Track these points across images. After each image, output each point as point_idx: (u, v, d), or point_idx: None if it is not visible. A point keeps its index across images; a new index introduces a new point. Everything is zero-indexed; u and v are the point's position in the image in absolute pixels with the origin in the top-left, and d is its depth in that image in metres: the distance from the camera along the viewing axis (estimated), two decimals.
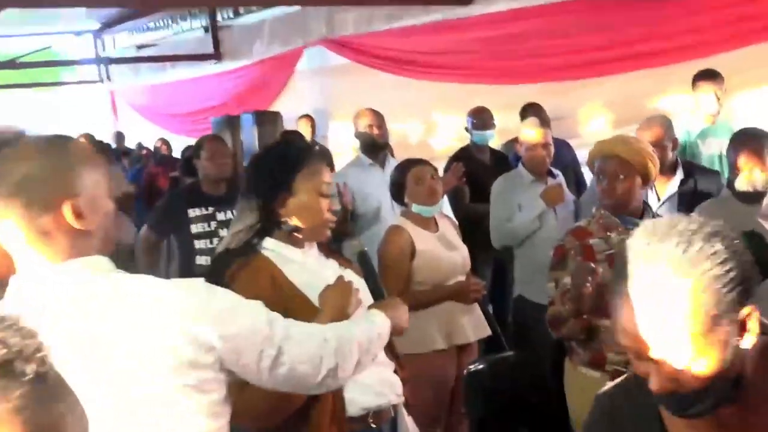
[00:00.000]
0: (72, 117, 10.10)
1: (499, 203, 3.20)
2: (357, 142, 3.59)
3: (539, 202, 3.05)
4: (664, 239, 0.88)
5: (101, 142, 6.18)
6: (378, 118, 3.48)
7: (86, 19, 9.12)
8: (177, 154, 6.41)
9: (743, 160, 2.43)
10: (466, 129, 3.98)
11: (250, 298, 1.25)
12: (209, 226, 3.07)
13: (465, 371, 2.42)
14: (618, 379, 1.12)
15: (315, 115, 5.71)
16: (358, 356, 1.33)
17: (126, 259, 3.51)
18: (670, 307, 0.85)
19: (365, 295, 1.65)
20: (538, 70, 4.68)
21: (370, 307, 1.55)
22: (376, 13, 5.73)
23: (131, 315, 1.07)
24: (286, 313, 1.36)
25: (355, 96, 5.22)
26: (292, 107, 6.45)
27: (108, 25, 9.47)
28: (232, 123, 6.64)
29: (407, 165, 2.67)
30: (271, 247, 1.63)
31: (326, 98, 6.46)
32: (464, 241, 2.74)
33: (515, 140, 3.56)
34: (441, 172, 3.38)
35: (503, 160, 3.96)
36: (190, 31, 8.46)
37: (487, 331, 2.66)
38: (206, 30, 8.06)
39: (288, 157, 1.65)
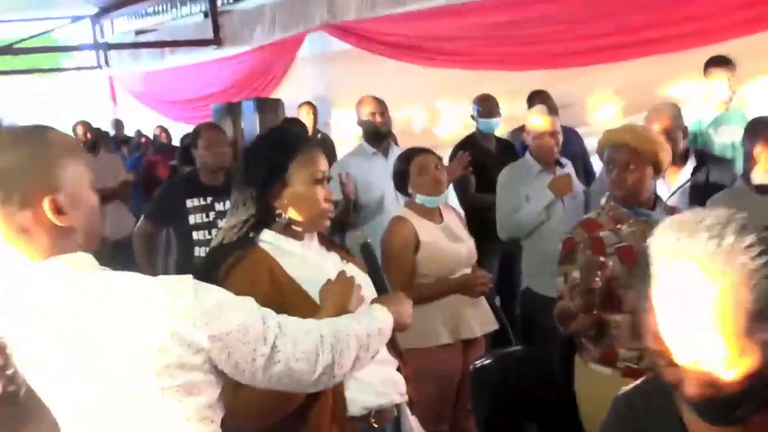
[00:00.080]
0: (70, 103, 10.04)
1: (506, 194, 3.14)
2: (360, 130, 3.53)
3: (547, 193, 3.00)
4: (693, 235, 0.83)
5: (99, 129, 6.14)
6: (381, 105, 3.42)
7: (84, 3, 9.03)
8: (177, 141, 6.34)
9: (759, 150, 2.37)
10: (472, 117, 3.92)
11: (246, 293, 1.21)
12: (207, 216, 3.01)
13: (471, 366, 2.38)
14: (636, 382, 1.07)
15: (317, 102, 5.64)
16: (356, 352, 1.29)
17: (124, 250, 3.46)
18: (706, 307, 0.80)
19: (368, 290, 1.59)
20: (546, 56, 4.62)
21: (372, 301, 1.50)
22: None
23: (119, 313, 1.03)
24: (285, 309, 1.33)
25: (358, 83, 5.18)
26: (293, 94, 6.40)
27: (106, 9, 9.41)
28: (232, 110, 6.61)
29: (411, 154, 2.61)
30: (269, 239, 1.57)
31: (328, 85, 6.41)
32: (470, 232, 2.69)
33: (522, 128, 3.49)
34: (446, 161, 3.33)
35: (509, 149, 3.90)
36: (189, 16, 8.40)
37: (494, 325, 2.62)
38: (206, 15, 8.00)
39: (280, 147, 1.59)
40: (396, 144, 3.79)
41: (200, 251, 2.98)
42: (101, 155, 4.93)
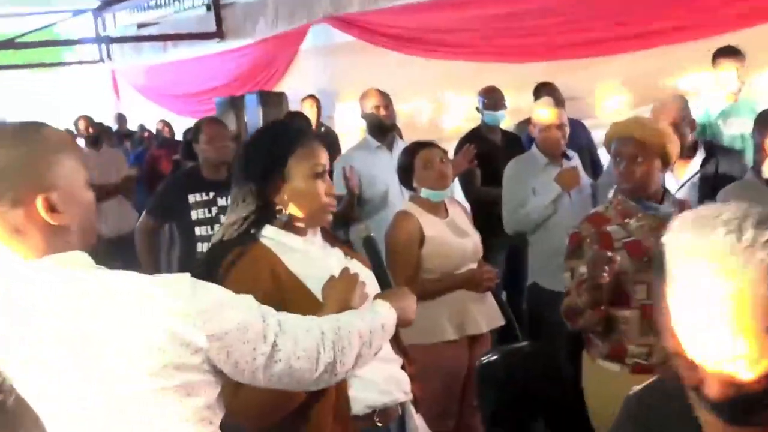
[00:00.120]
0: (73, 98, 10.02)
1: (512, 187, 3.11)
2: (364, 123, 3.49)
3: (554, 186, 2.97)
4: (710, 231, 0.80)
5: (101, 124, 6.13)
6: (385, 98, 3.38)
7: None
8: (180, 136, 6.33)
9: None
10: (477, 109, 3.88)
11: (247, 290, 1.19)
12: (210, 212, 2.98)
13: (477, 362, 2.35)
14: (647, 381, 1.04)
15: (321, 96, 5.60)
16: (359, 349, 1.27)
17: (127, 246, 3.45)
18: (725, 305, 0.77)
19: (372, 287, 1.56)
20: (552, 47, 4.57)
21: (375, 296, 1.48)
22: None
23: (115, 313, 1.01)
24: (286, 307, 1.30)
25: (362, 75, 5.15)
26: (297, 87, 6.38)
27: (108, 3, 9.39)
28: (236, 104, 6.59)
29: (415, 148, 2.58)
30: (271, 235, 1.54)
31: (332, 78, 6.38)
32: (476, 226, 2.66)
33: (528, 121, 3.46)
34: (451, 155, 3.30)
35: (515, 142, 3.86)
36: (191, 9, 8.38)
37: (501, 321, 2.59)
38: (208, 8, 7.97)
39: (278, 141, 1.56)
40: (401, 137, 3.76)
41: (203, 247, 2.95)
42: (104, 150, 4.91)
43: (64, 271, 1.04)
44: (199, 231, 2.97)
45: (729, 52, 3.34)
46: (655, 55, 4.09)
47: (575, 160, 3.17)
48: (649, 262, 2.00)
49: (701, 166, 2.74)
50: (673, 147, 2.10)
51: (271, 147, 1.56)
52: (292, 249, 1.54)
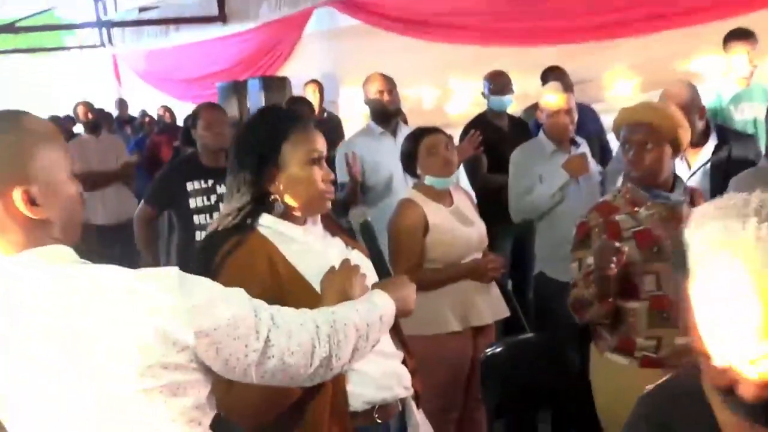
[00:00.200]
0: (74, 83, 9.97)
1: (519, 174, 3.05)
2: (368, 109, 3.43)
3: (561, 173, 2.91)
4: (737, 225, 0.76)
5: (101, 110, 6.07)
6: (389, 83, 3.33)
7: None
8: (181, 121, 6.28)
9: None
10: (483, 94, 3.82)
11: (244, 281, 1.17)
12: (209, 199, 2.93)
13: (481, 354, 2.30)
14: (660, 380, 1.02)
15: (325, 80, 5.54)
16: (355, 342, 1.23)
17: (126, 234, 3.41)
18: (761, 300, 0.74)
19: (373, 279, 1.51)
20: (560, 30, 4.50)
21: (373, 286, 1.42)
22: None
23: (97, 310, 0.98)
24: (284, 299, 1.26)
25: (367, 60, 5.10)
26: (300, 72, 6.33)
27: None
28: (238, 89, 6.55)
29: (419, 134, 2.52)
30: (269, 224, 1.49)
31: (336, 62, 6.33)
32: (482, 213, 2.62)
33: (535, 106, 3.39)
34: (456, 141, 3.23)
35: (522, 127, 3.81)
36: None
37: (506, 312, 2.55)
38: None
39: (271, 128, 1.51)
40: (405, 123, 3.72)
41: (202, 236, 2.87)
42: (103, 136, 4.86)
43: (51, 267, 1.01)
44: (197, 219, 2.92)
45: (740, 35, 3.26)
46: (665, 38, 4.02)
47: (584, 147, 3.11)
48: (659, 252, 1.97)
49: (713, 153, 2.67)
50: (685, 133, 2.05)
51: (263, 134, 1.51)
52: (290, 239, 1.50)
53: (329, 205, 1.55)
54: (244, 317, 1.08)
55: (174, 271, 1.04)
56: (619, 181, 2.14)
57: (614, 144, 3.50)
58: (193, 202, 2.93)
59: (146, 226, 3.10)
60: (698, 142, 2.65)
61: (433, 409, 1.82)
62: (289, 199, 1.49)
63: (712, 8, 3.82)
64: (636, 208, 2.01)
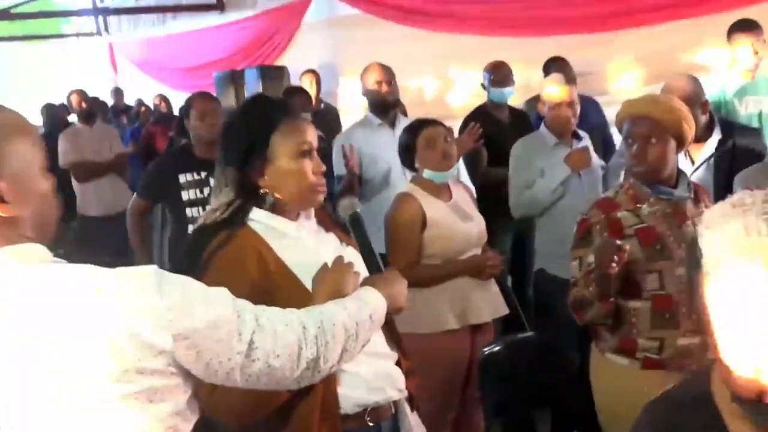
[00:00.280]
0: (70, 72, 9.91)
1: (519, 168, 3.00)
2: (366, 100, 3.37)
3: (563, 167, 2.86)
4: (760, 220, 0.73)
5: (96, 98, 6.01)
6: (387, 73, 3.27)
7: None
8: (178, 111, 6.23)
9: None
10: (483, 86, 3.77)
11: (233, 278, 1.15)
12: (201, 192, 2.88)
13: (480, 353, 2.28)
14: (666, 389, 0.99)
15: (324, 70, 5.49)
16: (344, 343, 1.18)
17: (120, 226, 3.36)
18: None
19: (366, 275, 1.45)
20: (563, 21, 4.45)
21: (363, 282, 1.37)
22: None
23: (69, 310, 0.93)
24: (274, 297, 1.22)
25: (366, 49, 5.05)
26: (299, 61, 6.28)
27: None
28: (235, 78, 6.52)
29: (418, 126, 2.47)
30: (260, 218, 1.45)
31: (335, 52, 6.28)
32: (481, 208, 2.57)
33: (537, 98, 3.34)
34: (456, 133, 3.18)
35: (523, 120, 3.76)
36: None
37: (505, 310, 2.51)
38: None
39: (259, 119, 1.46)
40: (405, 114, 3.67)
41: None
42: (97, 126, 4.80)
43: (23, 267, 0.96)
44: (190, 212, 2.87)
45: (745, 27, 3.20)
46: (670, 29, 3.97)
47: (586, 141, 3.06)
48: (662, 250, 1.93)
49: (717, 146, 2.62)
50: (689, 127, 2.00)
51: (250, 126, 1.46)
52: (282, 234, 1.45)
53: (321, 198, 1.51)
54: (227, 318, 1.04)
55: (152, 269, 0.99)
56: (622, 176, 2.09)
57: (617, 138, 3.46)
58: (186, 195, 2.87)
59: (139, 219, 3.05)
60: (701, 136, 2.59)
61: (429, 410, 1.79)
62: (279, 193, 1.45)
63: None
64: (638, 205, 1.97)
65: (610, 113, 3.47)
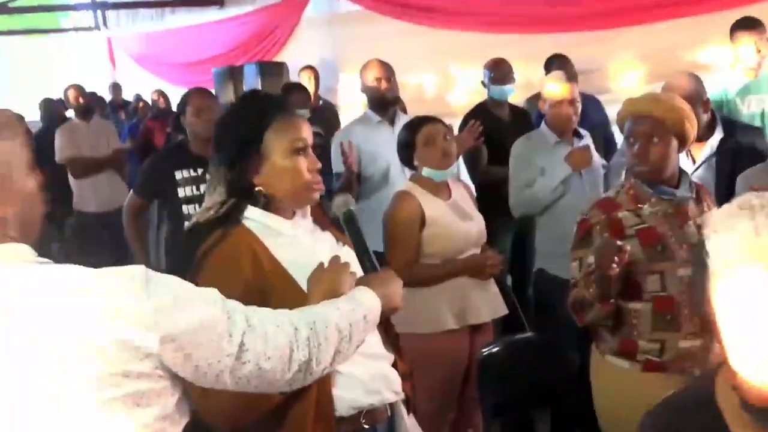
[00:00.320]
0: (68, 66, 9.89)
1: (520, 167, 2.98)
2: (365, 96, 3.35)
3: (564, 166, 2.84)
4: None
5: (93, 93, 5.97)
6: (387, 70, 3.25)
7: None
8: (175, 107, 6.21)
9: None
10: (483, 83, 3.75)
11: (227, 277, 1.14)
12: (198, 189, 2.85)
13: (479, 353, 2.26)
14: (666, 396, 0.98)
15: (323, 66, 5.47)
16: (337, 345, 1.16)
17: (117, 223, 3.34)
18: None
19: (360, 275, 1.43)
20: (565, 18, 4.45)
21: (357, 281, 1.35)
22: None
23: (53, 312, 0.91)
24: (268, 298, 1.21)
25: (366, 46, 5.03)
26: (298, 57, 6.26)
27: None
28: (234, 74, 6.51)
29: (417, 123, 2.45)
30: (255, 217, 1.43)
31: (335, 48, 6.27)
32: (481, 206, 2.55)
33: (538, 96, 3.31)
34: (456, 131, 3.16)
35: (523, 117, 3.74)
36: None
37: (504, 310, 2.49)
38: None
39: (253, 115, 1.44)
40: (404, 111, 3.65)
41: None
42: (94, 121, 4.77)
43: (7, 267, 0.94)
44: (187, 209, 2.85)
45: (747, 25, 3.18)
46: (672, 27, 3.96)
47: (587, 139, 3.04)
48: (663, 251, 1.91)
49: (719, 145, 2.60)
50: (692, 126, 1.98)
51: (244, 122, 1.44)
52: (277, 233, 1.43)
53: (317, 196, 1.48)
54: (216, 320, 1.02)
55: (139, 270, 0.97)
56: (623, 175, 2.07)
57: (619, 136, 3.44)
58: (182, 192, 2.85)
59: (135, 217, 3.04)
60: (703, 135, 2.57)
61: (428, 410, 1.78)
62: (273, 191, 1.43)
63: None
64: (639, 205, 1.95)
65: (612, 111, 3.46)
